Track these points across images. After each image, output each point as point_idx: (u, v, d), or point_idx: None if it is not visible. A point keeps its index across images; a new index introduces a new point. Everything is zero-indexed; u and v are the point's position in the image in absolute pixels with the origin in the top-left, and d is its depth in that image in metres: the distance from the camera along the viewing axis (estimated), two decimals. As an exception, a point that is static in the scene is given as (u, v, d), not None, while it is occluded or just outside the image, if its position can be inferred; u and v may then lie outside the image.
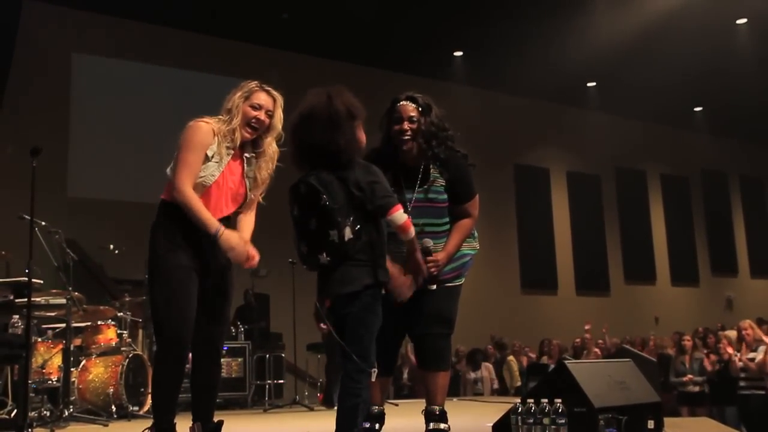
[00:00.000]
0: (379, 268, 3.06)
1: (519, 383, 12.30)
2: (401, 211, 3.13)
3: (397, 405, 8.53)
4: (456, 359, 13.54)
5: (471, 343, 13.75)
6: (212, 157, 3.54)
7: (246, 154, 3.70)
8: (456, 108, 17.82)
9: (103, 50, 12.54)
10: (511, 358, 12.88)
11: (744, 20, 13.96)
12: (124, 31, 12.59)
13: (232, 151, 3.61)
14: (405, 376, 13.03)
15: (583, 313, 16.20)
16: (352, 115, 3.26)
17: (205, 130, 3.55)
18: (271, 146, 3.75)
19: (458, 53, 15.07)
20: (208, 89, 13.75)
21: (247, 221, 3.83)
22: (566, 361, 3.48)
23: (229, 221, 3.71)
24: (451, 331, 3.79)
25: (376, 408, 3.85)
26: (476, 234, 4.03)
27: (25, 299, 4.93)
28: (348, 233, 3.03)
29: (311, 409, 8.11)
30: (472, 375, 12.59)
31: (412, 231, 3.17)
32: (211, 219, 3.47)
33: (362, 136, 3.28)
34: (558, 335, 13.48)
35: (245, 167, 3.70)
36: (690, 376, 9.89)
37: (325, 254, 3.07)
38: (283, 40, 13.75)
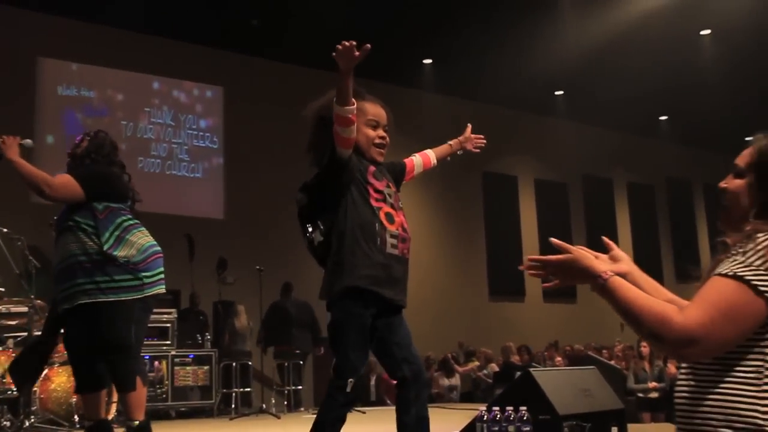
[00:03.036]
0: (347, 274, 2.80)
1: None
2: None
3: (364, 413, 8.52)
4: (426, 366, 13.57)
5: (440, 350, 13.77)
6: None
7: None
8: (425, 116, 18.02)
9: (69, 54, 12.42)
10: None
11: (708, 31, 14.20)
12: (92, 35, 12.47)
13: None
14: (372, 383, 13.01)
15: (550, 320, 16.36)
16: (319, 116, 3.11)
17: None
18: None
19: (427, 61, 15.14)
20: (178, 94, 13.73)
21: None
22: (532, 369, 3.49)
23: None
24: (126, 354, 3.89)
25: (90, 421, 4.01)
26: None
27: (-14, 307, 4.85)
28: (318, 236, 2.92)
29: (278, 418, 8.06)
30: (447, 382, 12.60)
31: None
32: None
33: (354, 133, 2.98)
34: (525, 342, 13.55)
35: None
36: (654, 383, 9.99)
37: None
38: (254, 46, 13.71)
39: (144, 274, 3.96)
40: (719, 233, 1.96)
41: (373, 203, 2.89)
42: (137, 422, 3.91)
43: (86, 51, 12.45)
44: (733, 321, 1.72)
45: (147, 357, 8.28)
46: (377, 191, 2.93)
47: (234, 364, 9.21)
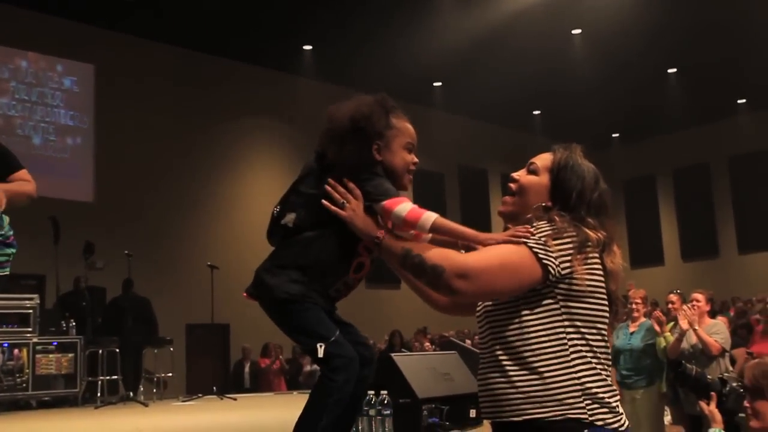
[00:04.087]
0: (298, 288, 2.44)
1: None
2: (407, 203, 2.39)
3: (235, 399, 8.47)
4: (300, 351, 13.56)
5: (314, 337, 13.76)
6: None
7: None
8: (303, 102, 17.89)
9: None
10: None
11: (578, 30, 14.76)
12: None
13: None
14: (247, 370, 12.93)
15: (425, 307, 16.59)
16: (357, 127, 2.50)
17: None
18: None
19: (307, 47, 15.07)
20: (45, 71, 13.12)
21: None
22: (393, 354, 3.56)
23: None
24: None
25: None
26: None
27: None
28: (289, 220, 2.49)
29: (146, 405, 7.88)
30: (308, 368, 12.65)
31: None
32: None
33: (394, 157, 2.48)
34: (401, 328, 13.76)
35: None
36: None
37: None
38: (128, 24, 13.27)
39: (11, 251, 3.78)
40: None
41: (360, 248, 2.53)
42: None
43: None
44: (507, 271, 1.92)
45: (6, 344, 7.93)
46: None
47: (101, 351, 8.92)
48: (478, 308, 2.11)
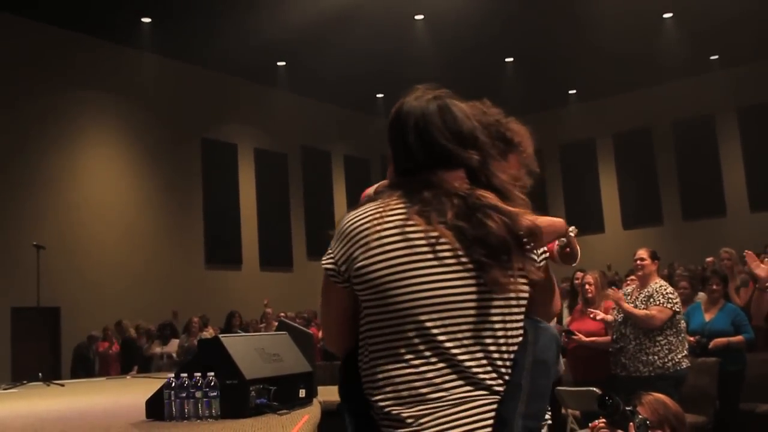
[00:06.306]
0: None
1: None
2: None
3: (63, 386, 8.13)
4: (137, 335, 13.15)
5: (153, 318, 13.41)
6: None
7: None
8: (142, 77, 17.27)
9: None
10: None
11: (421, 16, 15.05)
12: None
13: None
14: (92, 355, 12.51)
15: (266, 288, 16.56)
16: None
17: None
18: None
19: (146, 19, 14.52)
20: None
21: None
22: (221, 335, 3.53)
23: None
24: None
25: None
26: None
27: None
28: None
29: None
30: (159, 350, 12.31)
31: None
32: None
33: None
34: (242, 309, 13.62)
35: None
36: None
37: None
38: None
39: None
40: None
41: None
42: None
43: None
44: (327, 305, 1.74)
45: None
46: None
47: None
48: None
